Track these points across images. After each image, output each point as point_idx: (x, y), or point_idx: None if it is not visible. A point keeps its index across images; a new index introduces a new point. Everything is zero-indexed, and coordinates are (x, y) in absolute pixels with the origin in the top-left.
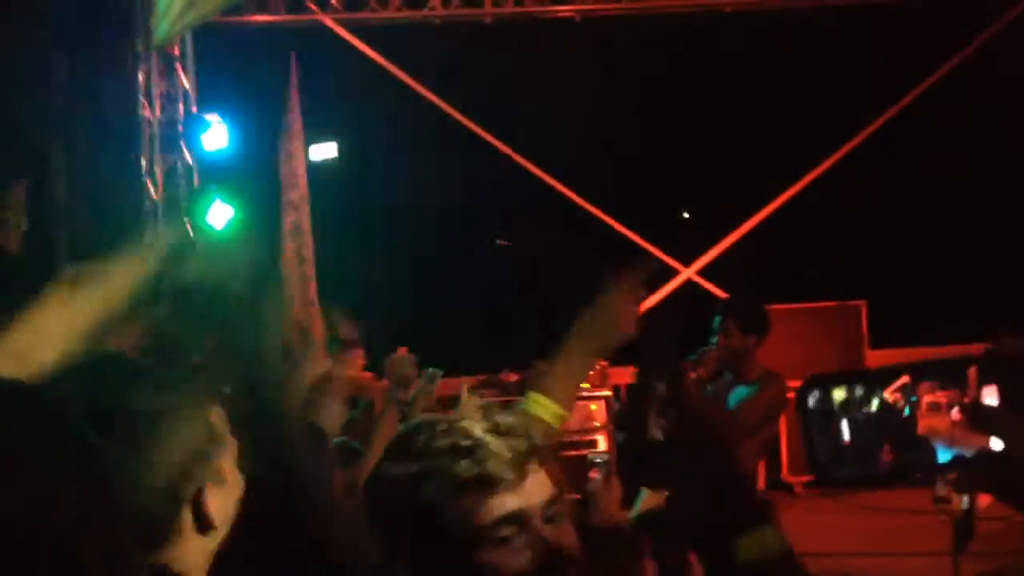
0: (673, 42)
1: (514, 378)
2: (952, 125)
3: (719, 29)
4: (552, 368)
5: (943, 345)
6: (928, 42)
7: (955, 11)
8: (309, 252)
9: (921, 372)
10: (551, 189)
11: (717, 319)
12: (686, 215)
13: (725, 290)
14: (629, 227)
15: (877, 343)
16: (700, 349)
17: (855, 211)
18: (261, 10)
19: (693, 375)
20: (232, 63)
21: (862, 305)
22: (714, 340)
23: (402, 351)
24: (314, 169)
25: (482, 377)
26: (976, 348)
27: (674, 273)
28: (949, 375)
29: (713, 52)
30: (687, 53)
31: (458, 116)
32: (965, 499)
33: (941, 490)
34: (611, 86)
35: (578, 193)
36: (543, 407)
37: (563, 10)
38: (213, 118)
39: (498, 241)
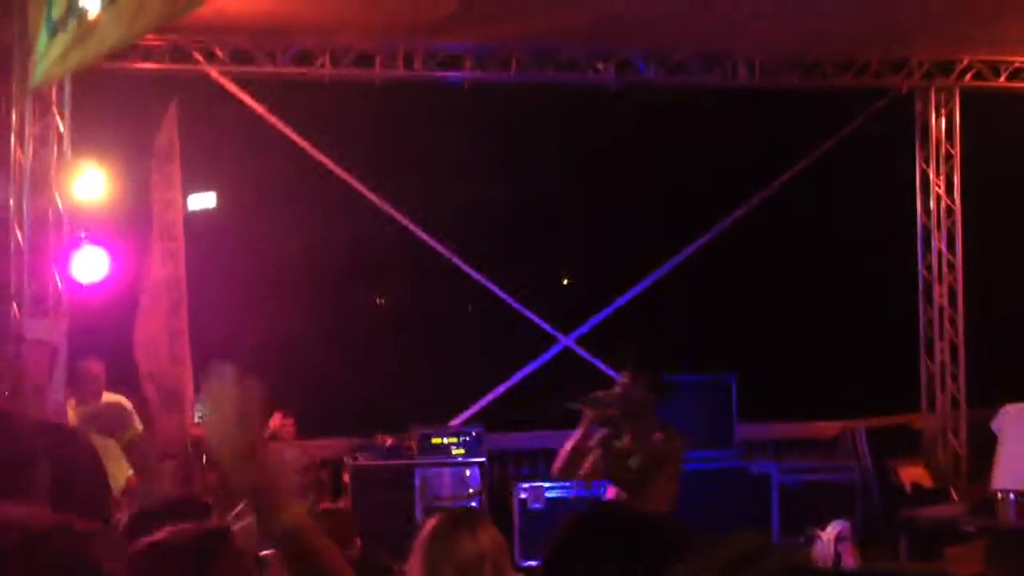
0: (560, 111)
1: (389, 442)
2: (824, 205)
3: (607, 102)
4: None
5: (807, 420)
6: (808, 124)
7: (829, 100)
8: (183, 305)
9: None
10: (432, 250)
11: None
12: (566, 281)
13: (602, 360)
14: (509, 292)
15: (744, 416)
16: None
17: (728, 285)
18: (145, 58)
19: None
20: (111, 109)
21: (732, 378)
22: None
23: (276, 416)
24: (191, 219)
25: (359, 440)
26: (841, 425)
27: (553, 340)
28: None
29: (599, 123)
30: (574, 122)
31: (342, 173)
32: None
33: None
34: (498, 151)
35: (460, 255)
36: None
37: (452, 75)
38: (88, 163)
39: (378, 300)
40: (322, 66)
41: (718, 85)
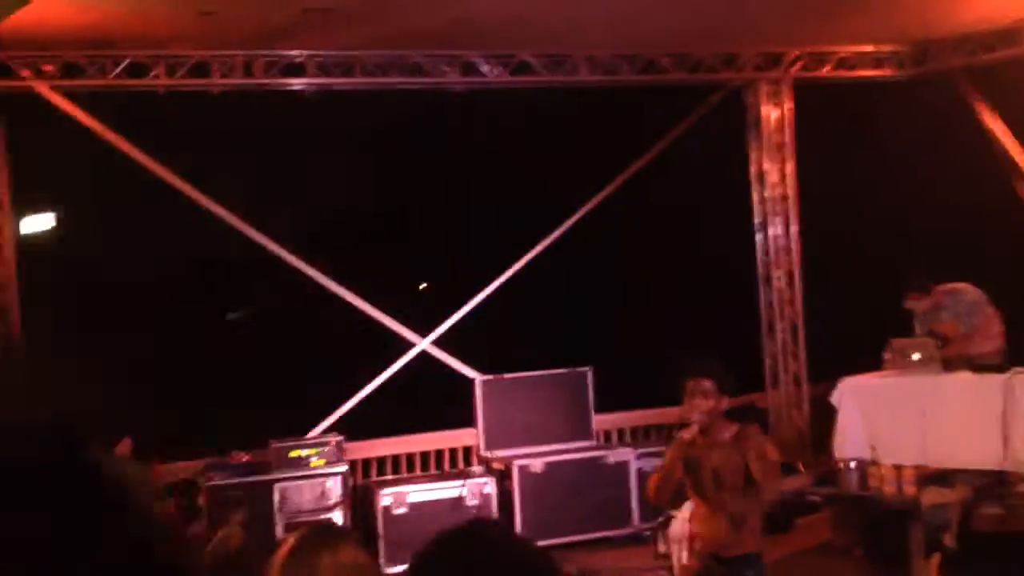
0: (407, 116)
1: (245, 458)
2: (667, 198)
3: (452, 106)
4: None
5: (661, 407)
6: (651, 120)
7: (671, 96)
8: (15, 333)
9: None
10: (281, 261)
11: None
12: (423, 286)
13: (461, 360)
14: (364, 299)
15: (601, 407)
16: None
17: (579, 280)
18: None
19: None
20: None
21: (588, 371)
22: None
23: (125, 441)
24: (26, 243)
25: (211, 459)
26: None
27: (407, 344)
28: None
29: (447, 127)
30: (422, 127)
31: (184, 187)
32: (684, 554)
33: (661, 547)
34: (346, 158)
35: (312, 265)
36: None
37: (294, 83)
38: None
39: (229, 315)
40: (156, 77)
41: (562, 84)
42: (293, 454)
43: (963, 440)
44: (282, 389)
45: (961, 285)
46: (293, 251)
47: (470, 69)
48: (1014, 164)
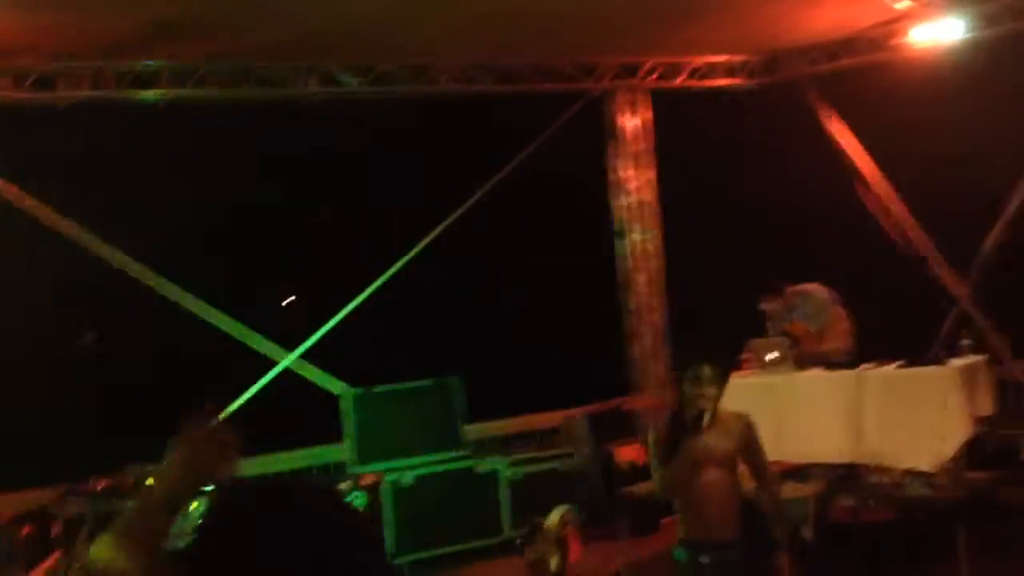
0: (265, 128)
1: (103, 483)
2: (530, 207)
3: (314, 118)
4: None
5: (532, 413)
6: (513, 130)
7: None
8: None
9: None
10: (137, 280)
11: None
12: (287, 301)
13: (327, 375)
14: (228, 316)
15: (471, 417)
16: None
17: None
18: None
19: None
20: None
21: (457, 381)
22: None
23: None
24: None
25: (69, 485)
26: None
27: (274, 362)
28: None
29: (306, 139)
30: (280, 140)
31: (30, 203)
32: (553, 561)
33: (531, 555)
34: (204, 172)
35: (172, 284)
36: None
37: (146, 94)
38: None
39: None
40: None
41: (423, 94)
42: (151, 481)
43: (817, 436)
44: (140, 412)
45: (810, 286)
46: (147, 269)
47: (328, 79)
48: (856, 168)
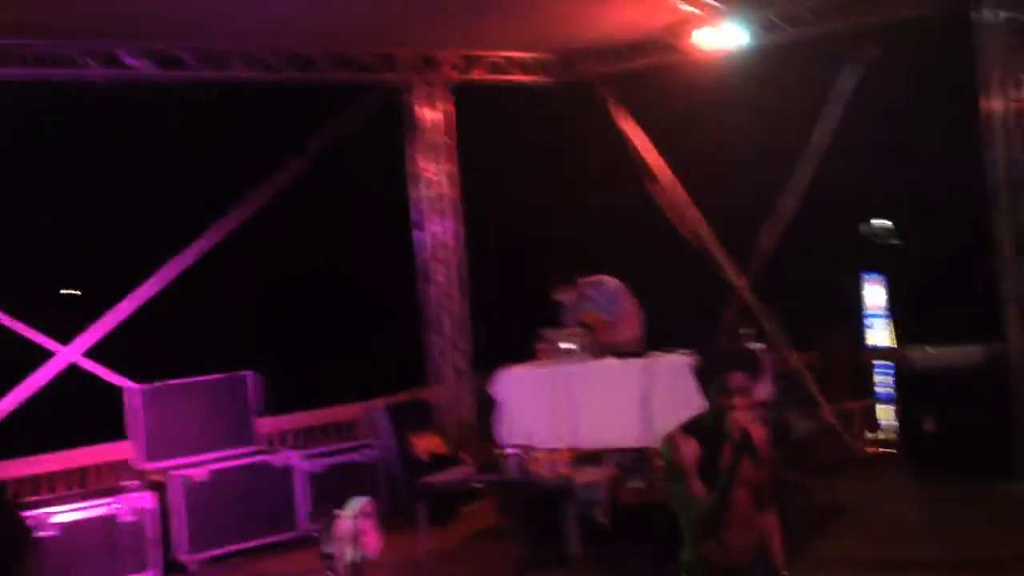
0: (52, 112)
1: None
2: (329, 198)
3: (105, 101)
4: None
5: (325, 408)
6: (312, 120)
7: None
8: None
9: None
10: None
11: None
12: (73, 292)
13: (113, 370)
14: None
15: (269, 411)
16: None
17: (240, 284)
18: None
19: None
20: None
21: (249, 376)
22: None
23: None
24: None
25: None
26: (363, 406)
27: (50, 355)
28: None
29: (95, 123)
30: (68, 124)
31: None
32: (349, 552)
33: (326, 548)
34: None
35: None
36: None
37: None
38: None
39: None
40: None
41: (215, 79)
42: None
43: (609, 422)
44: None
45: (602, 277)
46: None
47: (114, 61)
48: (646, 165)
